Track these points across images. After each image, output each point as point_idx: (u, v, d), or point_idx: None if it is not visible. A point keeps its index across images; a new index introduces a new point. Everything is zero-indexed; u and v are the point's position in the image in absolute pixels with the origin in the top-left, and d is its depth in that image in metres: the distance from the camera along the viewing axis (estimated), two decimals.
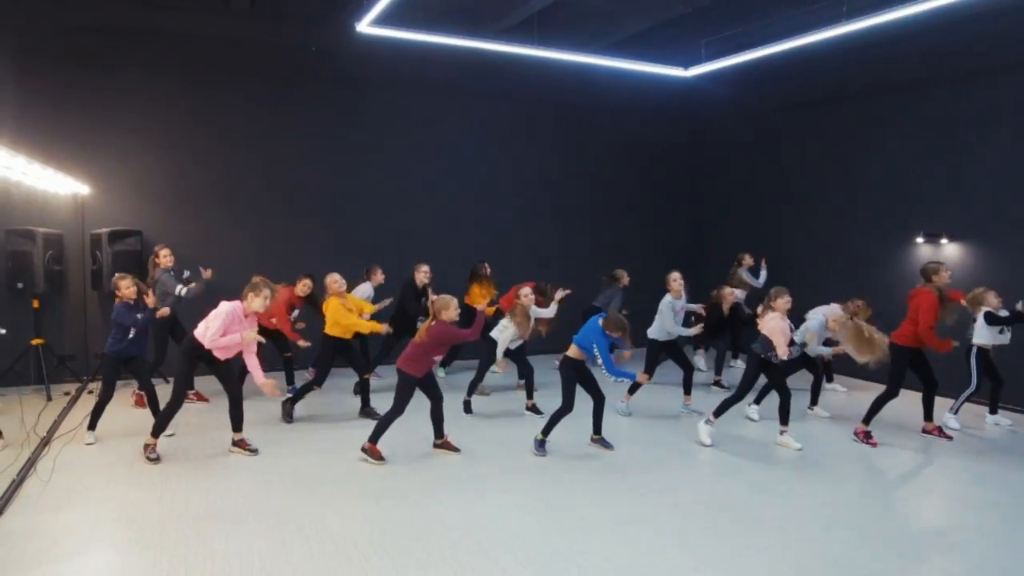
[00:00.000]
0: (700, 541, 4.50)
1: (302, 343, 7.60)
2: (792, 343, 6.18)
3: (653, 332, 7.41)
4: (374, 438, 5.87)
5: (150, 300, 6.32)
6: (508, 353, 7.37)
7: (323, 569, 4.03)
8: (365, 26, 7.60)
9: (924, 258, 8.78)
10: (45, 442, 6.13)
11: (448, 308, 5.75)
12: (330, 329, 7.06)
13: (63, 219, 8.30)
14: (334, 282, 7.13)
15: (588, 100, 10.99)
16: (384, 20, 7.53)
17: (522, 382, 7.85)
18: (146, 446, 5.84)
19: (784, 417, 6.44)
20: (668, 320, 7.23)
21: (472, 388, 7.70)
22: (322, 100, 9.58)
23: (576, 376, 6.14)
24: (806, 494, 5.34)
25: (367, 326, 7.20)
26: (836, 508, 5.09)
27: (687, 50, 9.18)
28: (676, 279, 7.34)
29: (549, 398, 7.13)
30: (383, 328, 7.37)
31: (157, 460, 5.76)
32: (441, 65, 9.67)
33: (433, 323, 5.75)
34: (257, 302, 5.76)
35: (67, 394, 7.81)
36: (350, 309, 7.11)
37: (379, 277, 8.43)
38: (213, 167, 9.07)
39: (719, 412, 6.43)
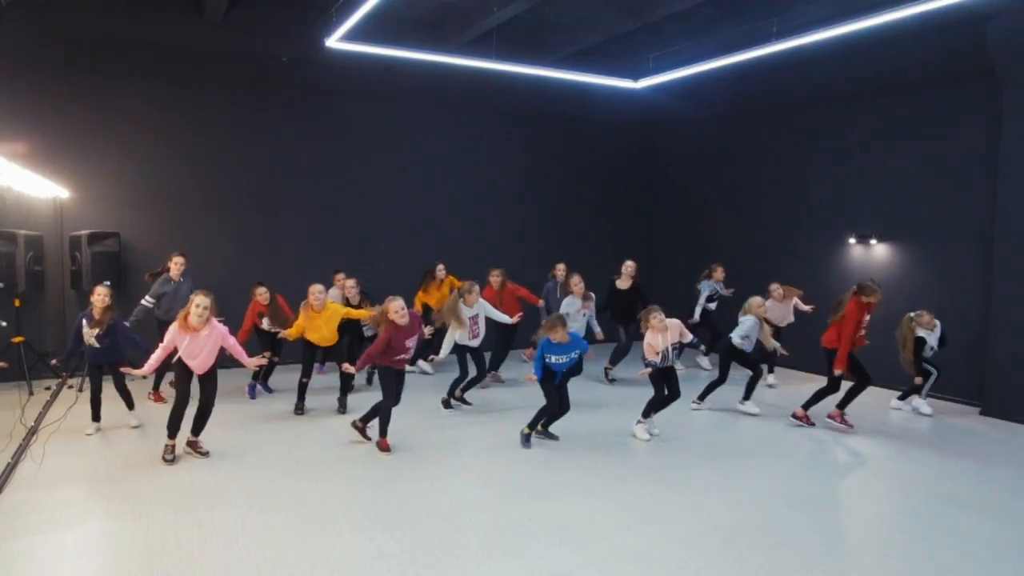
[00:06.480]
0: (636, 506, 5.10)
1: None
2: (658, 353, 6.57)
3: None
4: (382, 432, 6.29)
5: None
6: (465, 350, 7.65)
7: (300, 534, 4.54)
8: (334, 41, 8.04)
9: (857, 257, 9.54)
10: (33, 431, 6.52)
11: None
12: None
13: (43, 222, 8.63)
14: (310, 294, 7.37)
15: (548, 110, 11.53)
16: (352, 34, 7.97)
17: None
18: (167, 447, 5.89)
19: (653, 408, 6.79)
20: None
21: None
22: (293, 108, 10.00)
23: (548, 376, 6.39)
24: (725, 466, 5.99)
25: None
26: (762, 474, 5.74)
27: (637, 64, 9.80)
28: (577, 283, 8.43)
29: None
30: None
31: (173, 461, 5.85)
32: (406, 76, 10.08)
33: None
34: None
35: (47, 389, 8.17)
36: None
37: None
38: (188, 171, 9.45)
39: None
